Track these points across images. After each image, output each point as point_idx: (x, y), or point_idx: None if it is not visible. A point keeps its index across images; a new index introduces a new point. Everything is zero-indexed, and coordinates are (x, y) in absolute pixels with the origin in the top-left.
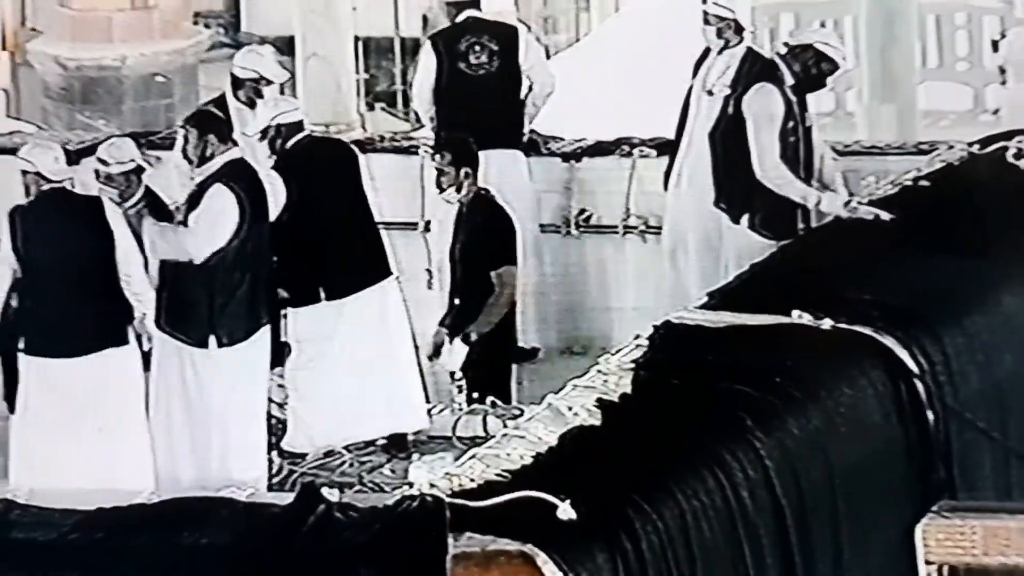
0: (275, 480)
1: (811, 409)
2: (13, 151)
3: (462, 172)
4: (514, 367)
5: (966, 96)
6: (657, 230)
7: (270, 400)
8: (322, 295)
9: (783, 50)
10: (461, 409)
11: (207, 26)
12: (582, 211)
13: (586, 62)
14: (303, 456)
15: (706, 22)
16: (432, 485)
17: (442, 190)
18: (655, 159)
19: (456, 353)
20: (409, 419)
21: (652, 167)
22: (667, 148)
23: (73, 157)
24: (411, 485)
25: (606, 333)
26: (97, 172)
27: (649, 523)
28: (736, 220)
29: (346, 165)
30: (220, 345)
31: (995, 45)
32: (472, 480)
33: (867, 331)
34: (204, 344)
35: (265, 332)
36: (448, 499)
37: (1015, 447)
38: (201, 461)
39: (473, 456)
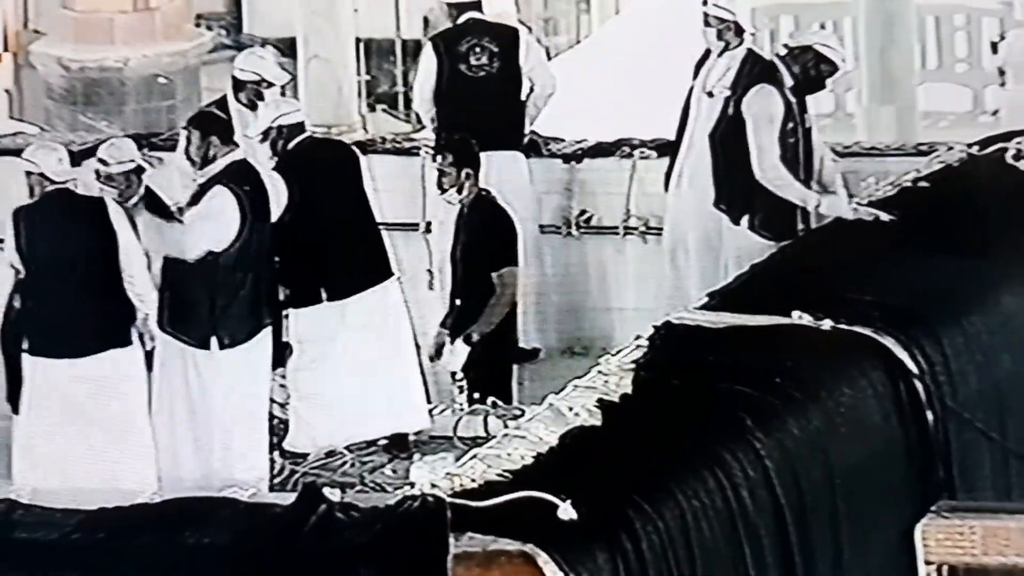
0: (277, 480)
1: (811, 409)
2: (16, 152)
3: (463, 173)
4: (515, 367)
5: (965, 97)
6: (657, 231)
7: (272, 400)
8: (324, 296)
9: (783, 52)
10: (462, 409)
11: (209, 28)
12: (583, 212)
13: (587, 64)
14: (305, 456)
15: (706, 24)
16: (433, 485)
17: (443, 191)
18: (655, 160)
19: (457, 353)
20: (410, 419)
21: (652, 168)
22: (667, 149)
23: (76, 158)
24: (412, 485)
25: (607, 334)
26: (97, 172)
27: (649, 523)
28: (736, 221)
29: (347, 166)
30: (222, 346)
31: (994, 47)
32: (473, 480)
33: (867, 332)
34: (206, 345)
35: (267, 333)
36: (449, 499)
37: (1014, 447)
38: (203, 461)
39: (474, 456)
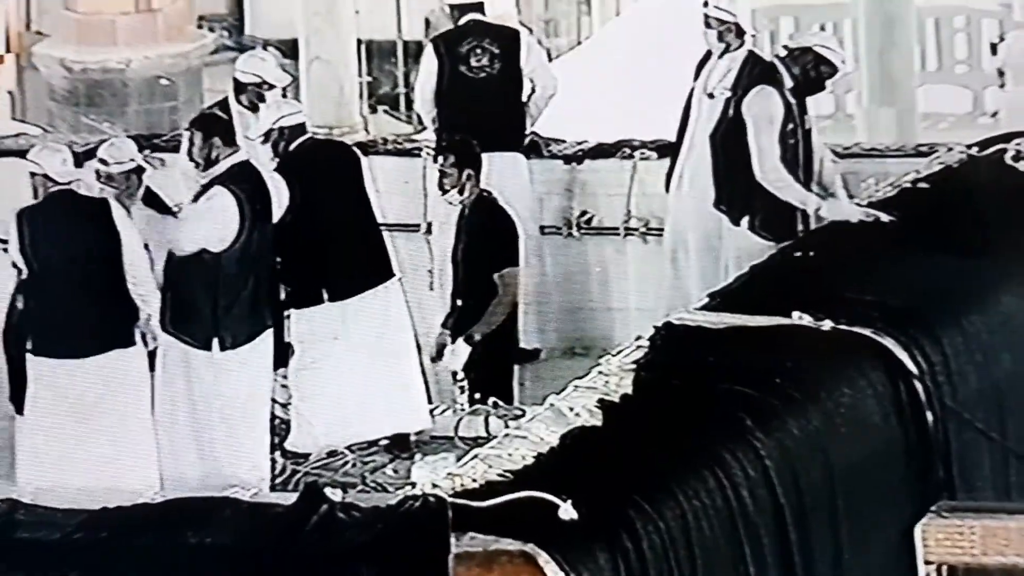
0: (278, 480)
1: (811, 410)
2: (18, 153)
3: (465, 174)
4: (516, 368)
5: (965, 99)
6: (658, 232)
7: (273, 401)
8: (325, 296)
9: (782, 53)
10: (463, 410)
11: (211, 29)
12: (583, 213)
13: (587, 65)
14: (306, 456)
15: (707, 25)
16: (434, 485)
17: (445, 192)
18: (656, 161)
19: (458, 353)
20: (412, 419)
21: (653, 169)
22: (668, 150)
23: (78, 159)
24: (413, 485)
25: (607, 334)
26: (97, 172)
27: (650, 523)
28: (736, 222)
29: (348, 167)
30: (223, 347)
31: (994, 48)
32: (474, 480)
33: (867, 332)
34: (208, 346)
35: (268, 334)
36: (450, 499)
37: (1014, 447)
38: (205, 461)
39: (475, 456)
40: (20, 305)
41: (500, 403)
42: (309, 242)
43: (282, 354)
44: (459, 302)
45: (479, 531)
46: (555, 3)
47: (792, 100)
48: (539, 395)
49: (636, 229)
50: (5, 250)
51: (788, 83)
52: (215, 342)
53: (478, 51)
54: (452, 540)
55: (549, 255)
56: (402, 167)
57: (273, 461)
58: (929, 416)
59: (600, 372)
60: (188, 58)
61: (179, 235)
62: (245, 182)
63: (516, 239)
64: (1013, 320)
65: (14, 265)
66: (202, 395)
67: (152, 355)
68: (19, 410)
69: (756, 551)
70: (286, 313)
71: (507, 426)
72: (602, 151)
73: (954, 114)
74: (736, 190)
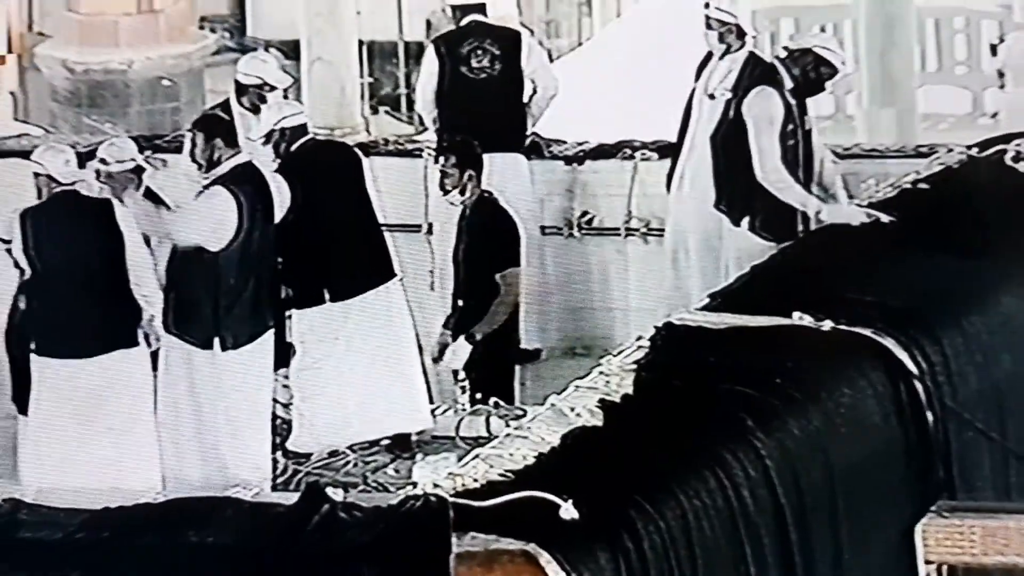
0: (280, 480)
1: (811, 410)
2: (21, 154)
3: (466, 174)
4: (517, 368)
5: (965, 100)
6: (658, 232)
7: (275, 401)
8: (326, 296)
9: (782, 54)
10: (464, 410)
11: (213, 30)
12: (584, 213)
13: (588, 66)
14: (308, 456)
15: (708, 27)
16: (436, 485)
17: (446, 192)
18: (656, 162)
19: (459, 352)
20: (413, 419)
21: (654, 170)
22: (668, 151)
23: (81, 160)
24: (415, 485)
25: (608, 334)
26: (97, 172)
27: (651, 523)
28: (737, 222)
29: (350, 168)
30: (224, 348)
31: (994, 49)
32: (475, 480)
33: (867, 332)
34: (209, 346)
35: (270, 334)
36: (451, 499)
37: (1014, 447)
38: (207, 461)
39: (476, 456)
40: (23, 305)
41: (501, 403)
42: (310, 242)
43: (283, 354)
44: (460, 302)
45: (480, 531)
46: (556, 4)
47: (792, 101)
48: (540, 395)
49: (637, 230)
50: (8, 250)
51: (788, 84)
52: (216, 342)
53: (479, 52)
54: (453, 540)
55: (550, 255)
56: (403, 168)
57: (275, 461)
58: (929, 416)
59: (601, 372)
60: (190, 59)
61: (175, 228)
62: (247, 183)
63: (517, 239)
64: (1013, 321)
65: (16, 265)
66: (204, 395)
67: (155, 356)
68: (22, 410)
69: (757, 551)
70: (287, 313)
71: (508, 426)
72: (603, 152)
73: (954, 115)
74: (736, 191)
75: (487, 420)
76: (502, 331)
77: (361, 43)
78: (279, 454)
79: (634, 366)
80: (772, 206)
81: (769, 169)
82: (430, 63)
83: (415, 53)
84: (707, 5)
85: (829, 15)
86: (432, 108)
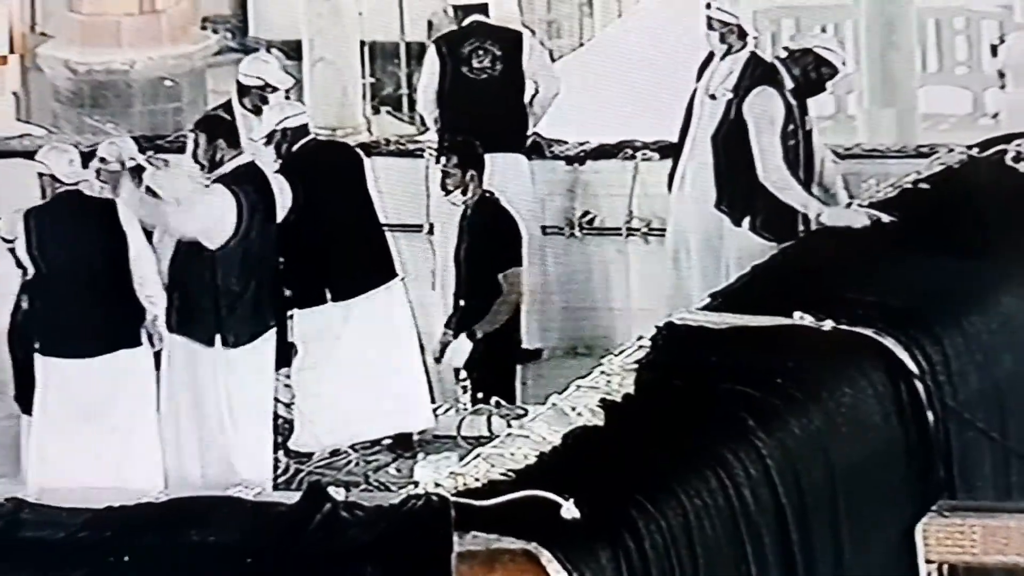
0: (282, 479)
1: (812, 410)
2: (23, 154)
3: (468, 175)
4: (518, 368)
5: (965, 100)
6: (659, 232)
7: (277, 400)
8: (328, 296)
9: (783, 54)
10: (466, 409)
11: (215, 31)
12: (585, 213)
13: (589, 66)
14: (310, 455)
15: (710, 27)
16: (437, 484)
17: (448, 192)
18: (658, 162)
19: (460, 349)
20: (414, 419)
21: (655, 170)
22: (669, 151)
23: (83, 160)
24: (416, 484)
25: (609, 334)
26: (98, 171)
27: (652, 522)
28: (737, 223)
29: (351, 168)
30: (226, 345)
31: (994, 49)
32: (477, 479)
33: (868, 332)
34: (212, 343)
35: (271, 333)
36: (453, 498)
37: (1014, 447)
38: (209, 460)
39: (478, 456)
40: (25, 305)
41: (503, 402)
42: (312, 243)
43: (285, 354)
44: (462, 302)
45: (482, 530)
46: (557, 5)
47: (793, 101)
48: (541, 395)
49: (638, 229)
50: (11, 250)
51: (789, 84)
52: (218, 338)
53: (480, 52)
54: (455, 539)
55: (551, 255)
56: (405, 168)
57: (277, 460)
58: (930, 416)
59: (602, 372)
60: (192, 59)
61: (174, 219)
62: (248, 183)
63: (519, 239)
64: (1013, 320)
65: (18, 264)
66: (207, 395)
67: (158, 355)
68: (25, 410)
69: (758, 550)
70: (289, 313)
71: (509, 425)
72: (604, 152)
73: (954, 115)
74: (737, 191)
75: (488, 419)
76: (504, 331)
77: (363, 43)
78: (281, 453)
79: (635, 366)
80: (773, 206)
81: (771, 169)
82: (431, 63)
83: (417, 53)
84: (709, 5)
85: (830, 15)
86: (433, 108)
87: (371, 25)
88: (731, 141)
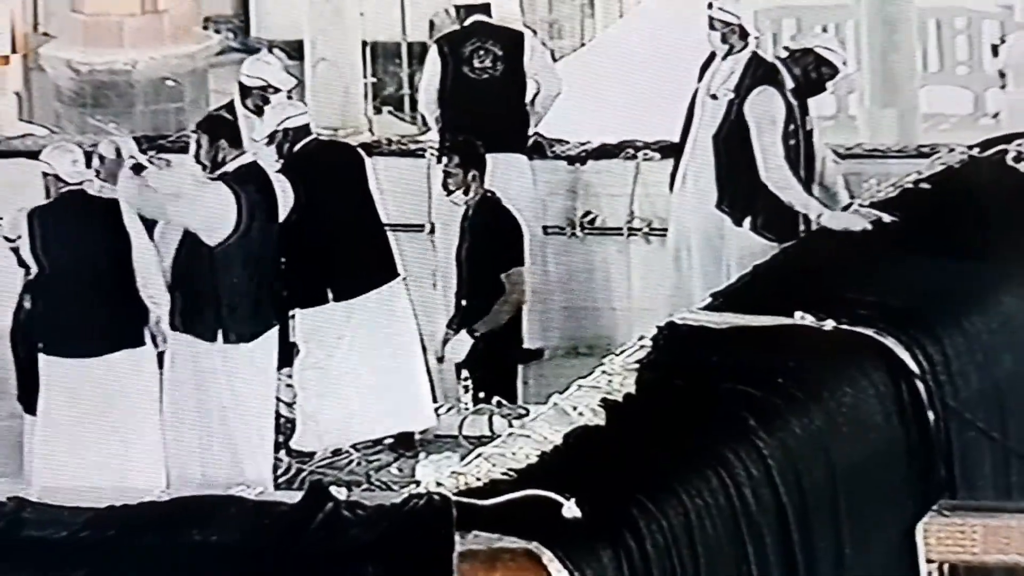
0: (284, 479)
1: (813, 409)
2: (26, 154)
3: (470, 175)
4: (520, 367)
5: (966, 100)
6: (661, 232)
7: (279, 400)
8: (330, 296)
9: (783, 54)
10: (467, 409)
11: (217, 31)
12: (587, 213)
13: (591, 66)
14: (311, 455)
15: (711, 27)
16: (439, 484)
17: (450, 192)
18: (659, 162)
19: (460, 345)
20: (416, 418)
21: (656, 170)
22: (671, 151)
23: (89, 159)
24: (418, 484)
25: (610, 334)
26: (98, 171)
27: (653, 522)
28: (739, 223)
29: (353, 168)
30: (227, 341)
31: (995, 49)
32: (478, 479)
33: (868, 332)
34: (213, 339)
35: (273, 333)
36: (454, 497)
37: (1015, 447)
38: (211, 460)
39: (479, 455)
40: (28, 304)
41: (504, 402)
42: (314, 242)
43: (287, 353)
44: (464, 302)
45: (483, 529)
46: (559, 5)
47: (793, 101)
48: (543, 394)
49: (639, 229)
50: (14, 249)
51: (789, 84)
52: (219, 334)
53: (481, 52)
54: (456, 538)
55: (552, 255)
56: (406, 168)
57: (278, 460)
58: (931, 416)
59: (603, 371)
60: (194, 59)
61: (168, 208)
62: (250, 182)
63: (521, 239)
64: (1014, 321)
65: (20, 264)
66: (208, 394)
67: (161, 356)
68: (27, 409)
69: (759, 550)
70: (291, 313)
71: (511, 425)
72: (605, 152)
73: (955, 115)
74: (739, 191)
75: (490, 419)
76: (505, 330)
77: (365, 44)
78: (283, 453)
79: (636, 365)
80: (774, 206)
81: (772, 168)
82: (433, 63)
83: (418, 54)
84: (710, 5)
85: (831, 15)
86: (435, 108)
87: (373, 25)
88: (732, 141)
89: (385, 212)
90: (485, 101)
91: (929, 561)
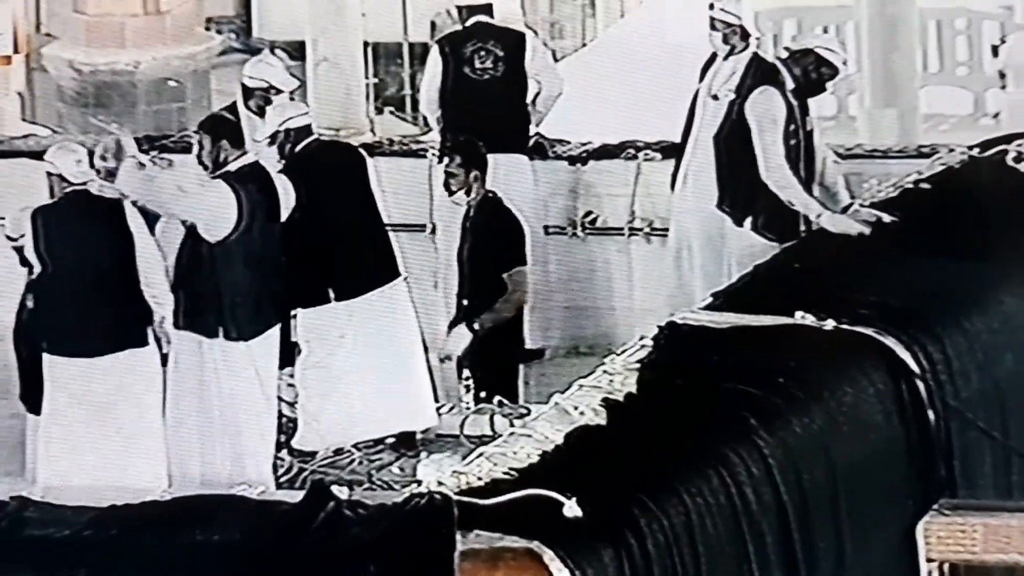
0: (285, 478)
1: (814, 409)
2: (28, 154)
3: (472, 175)
4: (521, 367)
5: (966, 100)
6: (662, 232)
7: (280, 399)
8: (331, 296)
9: (784, 55)
10: (469, 408)
11: (219, 31)
12: (588, 213)
13: (592, 67)
14: (313, 454)
15: (712, 28)
16: (440, 483)
17: (451, 192)
18: (660, 162)
19: (459, 339)
20: (418, 418)
21: (657, 170)
22: (672, 151)
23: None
24: (419, 483)
25: (611, 333)
26: (98, 170)
27: (654, 521)
28: (739, 223)
29: (354, 168)
30: (228, 338)
31: (995, 50)
32: (479, 478)
33: (869, 332)
34: (215, 335)
35: (275, 332)
36: (456, 497)
37: (1015, 446)
38: (213, 460)
39: (481, 455)
40: (31, 304)
41: (505, 402)
42: (315, 242)
43: (288, 353)
44: (465, 302)
45: (484, 529)
46: (560, 5)
47: (794, 101)
48: (544, 394)
49: (640, 229)
50: (18, 249)
51: (790, 84)
52: (221, 331)
53: (482, 53)
54: (458, 537)
55: (553, 255)
56: (408, 168)
57: (280, 459)
58: (931, 415)
59: (604, 371)
60: (196, 60)
61: (167, 198)
62: (252, 182)
63: (523, 239)
64: (1014, 320)
65: (23, 263)
66: (211, 393)
67: (164, 356)
68: (30, 409)
69: (759, 549)
70: (292, 312)
71: (512, 425)
72: (607, 152)
73: (956, 115)
74: (739, 191)
75: (491, 419)
76: (506, 330)
77: (366, 44)
78: (284, 452)
79: (637, 365)
80: (775, 206)
81: (773, 168)
82: (434, 64)
83: (420, 54)
84: (711, 6)
85: (832, 16)
86: (436, 109)
87: (374, 26)
88: (733, 141)
89: (387, 212)
90: (486, 101)
91: (929, 560)
